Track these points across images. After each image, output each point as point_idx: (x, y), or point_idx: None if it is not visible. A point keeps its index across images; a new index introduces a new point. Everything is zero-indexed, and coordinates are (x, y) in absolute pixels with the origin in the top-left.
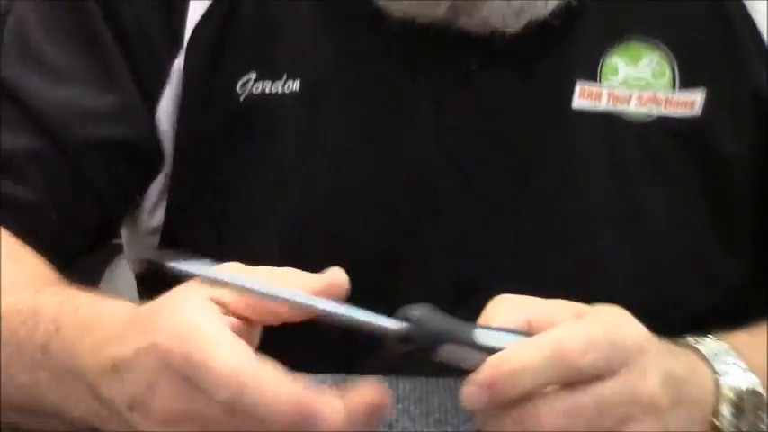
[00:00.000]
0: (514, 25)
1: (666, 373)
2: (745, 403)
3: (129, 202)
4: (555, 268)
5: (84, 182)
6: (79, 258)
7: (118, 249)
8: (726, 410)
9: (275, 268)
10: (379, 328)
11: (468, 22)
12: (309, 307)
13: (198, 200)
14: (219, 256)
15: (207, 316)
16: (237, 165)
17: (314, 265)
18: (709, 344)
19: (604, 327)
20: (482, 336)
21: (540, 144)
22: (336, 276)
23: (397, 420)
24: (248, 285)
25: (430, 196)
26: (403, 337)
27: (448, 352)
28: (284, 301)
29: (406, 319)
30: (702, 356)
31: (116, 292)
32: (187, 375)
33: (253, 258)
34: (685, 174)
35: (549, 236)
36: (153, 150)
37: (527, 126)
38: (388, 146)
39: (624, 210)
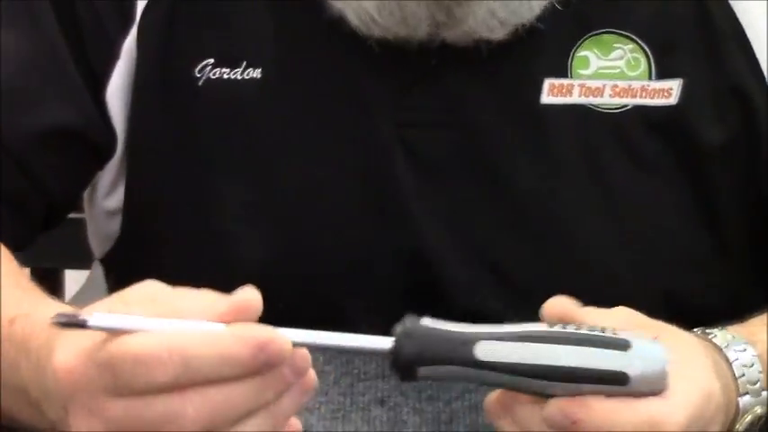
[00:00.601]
0: (500, 34)
1: None
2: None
3: (80, 187)
4: (526, 261)
5: (28, 170)
6: (30, 244)
7: None
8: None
9: (188, 292)
10: (369, 349)
11: (450, 35)
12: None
13: (157, 181)
14: (180, 239)
15: None
16: (196, 148)
17: (270, 252)
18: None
19: (702, 410)
20: (484, 351)
21: (507, 138)
22: (246, 299)
23: (389, 396)
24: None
25: (390, 191)
26: (391, 355)
27: (440, 372)
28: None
29: (399, 333)
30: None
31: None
32: (107, 385)
33: (212, 242)
34: (663, 162)
35: (518, 229)
36: (101, 134)
37: (491, 121)
38: (347, 140)
39: (601, 200)
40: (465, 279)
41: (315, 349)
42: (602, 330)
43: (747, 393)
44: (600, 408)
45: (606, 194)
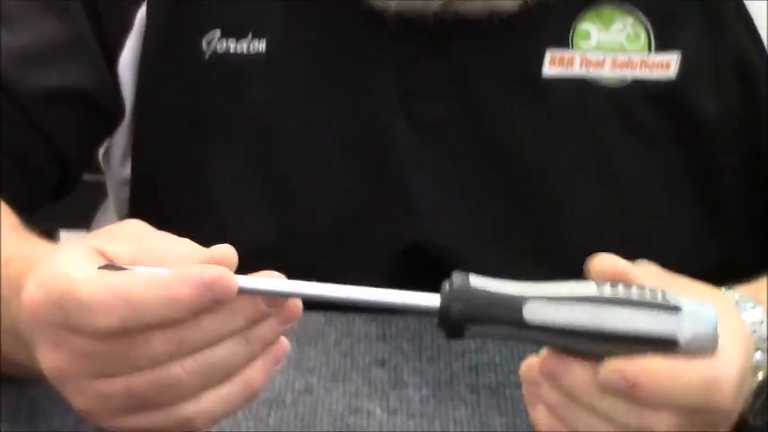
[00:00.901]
0: (513, 4)
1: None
2: None
3: (88, 153)
4: (527, 233)
5: (40, 130)
6: (41, 207)
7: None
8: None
9: (171, 237)
10: (416, 306)
11: (463, 6)
12: (346, 299)
13: (160, 154)
14: (183, 210)
15: (74, 259)
16: (199, 122)
17: (277, 223)
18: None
19: (747, 364)
20: (533, 312)
21: (510, 110)
22: (223, 252)
23: (389, 357)
24: (284, 289)
25: (392, 160)
26: (439, 313)
27: (488, 331)
28: (321, 296)
29: (445, 292)
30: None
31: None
32: (63, 322)
33: (213, 213)
34: (662, 135)
35: (517, 199)
36: (111, 100)
37: (494, 92)
38: (351, 109)
39: (600, 172)
40: (464, 247)
41: (362, 305)
42: (653, 293)
43: (759, 349)
44: (660, 369)
45: (605, 167)
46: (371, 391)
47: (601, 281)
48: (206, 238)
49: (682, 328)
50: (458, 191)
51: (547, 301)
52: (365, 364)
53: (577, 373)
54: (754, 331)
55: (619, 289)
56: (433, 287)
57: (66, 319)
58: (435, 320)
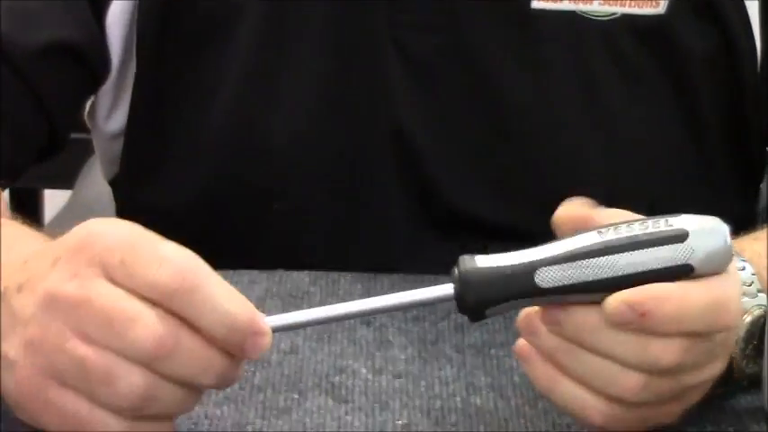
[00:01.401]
0: None
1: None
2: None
3: (75, 110)
4: (511, 166)
5: (28, 87)
6: (26, 170)
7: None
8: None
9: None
10: (433, 299)
11: None
12: (364, 313)
13: (161, 105)
14: (181, 164)
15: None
16: (193, 68)
17: (275, 169)
18: None
19: (739, 280)
20: (544, 278)
21: (497, 44)
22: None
23: (375, 317)
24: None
25: (380, 89)
26: (456, 302)
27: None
28: (338, 318)
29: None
30: None
31: (91, 189)
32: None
33: (212, 153)
34: (650, 71)
35: (504, 133)
36: (99, 55)
37: (482, 26)
38: (341, 37)
39: (589, 107)
40: (451, 179)
41: (382, 312)
42: (655, 222)
43: (744, 295)
44: (669, 294)
45: (594, 102)
46: (357, 350)
47: (602, 227)
48: (203, 179)
49: (694, 252)
50: (444, 121)
51: (556, 263)
52: (350, 323)
53: (581, 315)
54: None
55: (621, 230)
56: (428, 218)
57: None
58: (413, 278)
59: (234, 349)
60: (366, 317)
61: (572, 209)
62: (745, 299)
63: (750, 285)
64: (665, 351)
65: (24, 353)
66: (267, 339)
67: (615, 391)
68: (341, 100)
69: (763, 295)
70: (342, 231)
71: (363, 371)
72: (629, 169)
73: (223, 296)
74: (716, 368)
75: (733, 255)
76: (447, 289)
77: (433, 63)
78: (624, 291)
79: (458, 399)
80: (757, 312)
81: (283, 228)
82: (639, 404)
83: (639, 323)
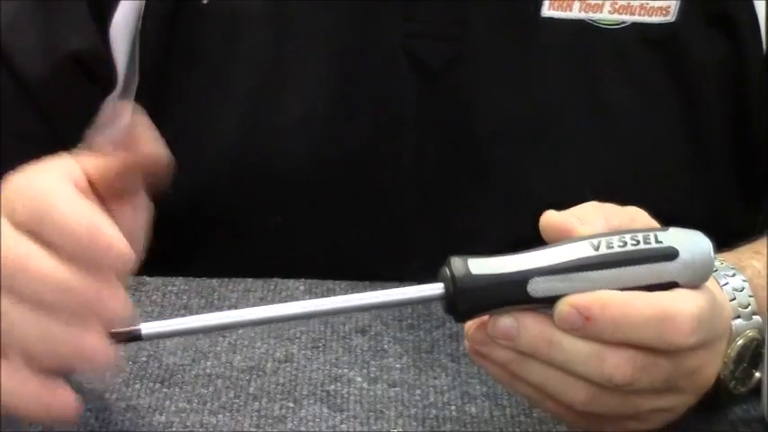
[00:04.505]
0: None
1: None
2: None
3: (83, 128)
4: (519, 171)
5: (36, 101)
6: None
7: None
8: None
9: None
10: (421, 298)
11: None
12: (351, 308)
13: (163, 115)
14: (182, 169)
15: (52, 177)
16: (200, 71)
17: (283, 165)
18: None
19: (711, 305)
20: (537, 288)
21: (509, 51)
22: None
23: (369, 325)
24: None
25: (395, 101)
26: (444, 303)
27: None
28: (326, 312)
29: (444, 278)
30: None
31: None
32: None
33: (217, 161)
34: (658, 79)
35: (512, 140)
36: (103, 66)
37: (491, 35)
38: (354, 47)
39: (595, 114)
40: (458, 187)
41: (370, 308)
42: (645, 235)
43: (739, 317)
44: (614, 302)
45: (600, 109)
46: (352, 359)
47: (594, 238)
48: (206, 186)
49: (681, 270)
50: (454, 129)
51: (550, 274)
52: (345, 332)
53: (537, 329)
54: (734, 298)
55: (614, 244)
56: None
57: None
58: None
59: (88, 266)
60: (349, 314)
61: (552, 219)
62: (740, 321)
63: (746, 308)
64: (618, 366)
65: None
66: (114, 251)
67: (566, 399)
68: (352, 109)
69: (757, 318)
70: (344, 241)
71: (358, 379)
72: (634, 178)
73: (68, 213)
74: (680, 401)
75: (714, 271)
76: (435, 289)
77: (443, 71)
78: (575, 295)
79: (453, 408)
80: (750, 335)
81: (281, 238)
82: (590, 414)
83: (584, 327)
